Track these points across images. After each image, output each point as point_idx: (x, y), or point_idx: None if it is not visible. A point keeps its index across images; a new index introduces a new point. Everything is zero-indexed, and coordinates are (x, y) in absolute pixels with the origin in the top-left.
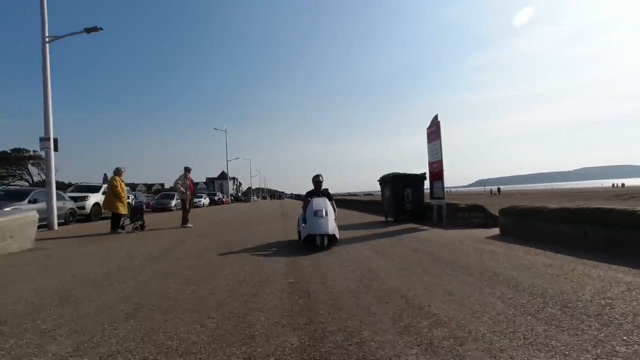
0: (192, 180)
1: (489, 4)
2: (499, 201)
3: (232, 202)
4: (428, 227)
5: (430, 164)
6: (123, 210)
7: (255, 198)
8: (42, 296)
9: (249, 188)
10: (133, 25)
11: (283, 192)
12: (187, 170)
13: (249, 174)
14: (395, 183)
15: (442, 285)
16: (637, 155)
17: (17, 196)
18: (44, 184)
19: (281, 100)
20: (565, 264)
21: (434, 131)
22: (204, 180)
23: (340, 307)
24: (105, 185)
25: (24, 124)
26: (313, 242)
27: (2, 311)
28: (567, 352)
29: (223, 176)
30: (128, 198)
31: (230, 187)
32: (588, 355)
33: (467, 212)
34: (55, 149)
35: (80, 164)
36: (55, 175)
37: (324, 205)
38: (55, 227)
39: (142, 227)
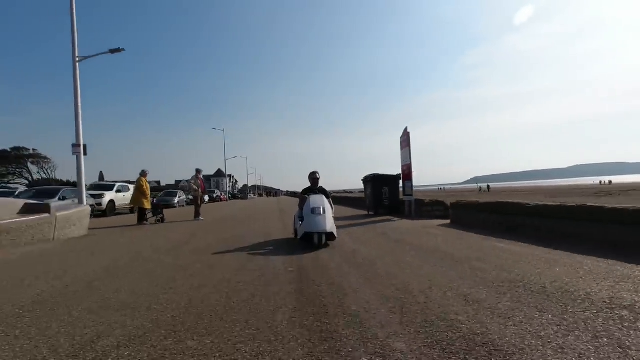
0: (202, 180)
1: (486, 2)
2: (484, 198)
3: (229, 200)
4: (398, 219)
5: (402, 167)
6: (147, 205)
7: (252, 195)
8: (95, 273)
9: (245, 185)
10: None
11: (279, 189)
12: (198, 171)
13: (244, 172)
14: (375, 182)
15: (389, 253)
16: (633, 153)
17: (48, 194)
18: (43, 182)
19: (277, 99)
20: (474, 239)
21: (405, 140)
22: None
23: (324, 266)
24: (118, 184)
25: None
26: (310, 240)
27: (92, 273)
28: (433, 280)
29: (219, 174)
30: (151, 196)
31: (227, 185)
32: (444, 279)
33: (430, 206)
34: (85, 154)
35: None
36: (54, 173)
37: (321, 202)
38: None
39: (162, 220)
